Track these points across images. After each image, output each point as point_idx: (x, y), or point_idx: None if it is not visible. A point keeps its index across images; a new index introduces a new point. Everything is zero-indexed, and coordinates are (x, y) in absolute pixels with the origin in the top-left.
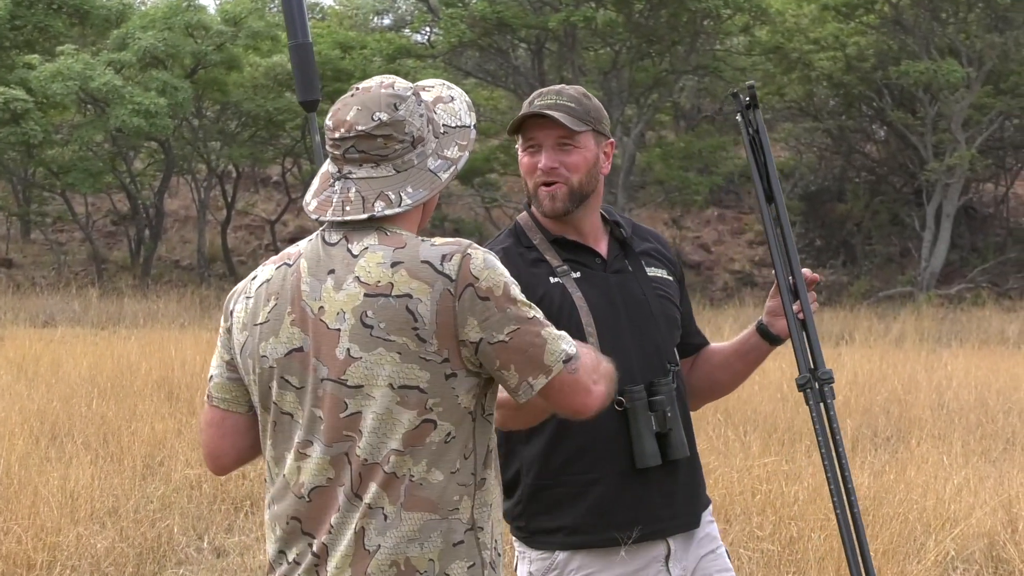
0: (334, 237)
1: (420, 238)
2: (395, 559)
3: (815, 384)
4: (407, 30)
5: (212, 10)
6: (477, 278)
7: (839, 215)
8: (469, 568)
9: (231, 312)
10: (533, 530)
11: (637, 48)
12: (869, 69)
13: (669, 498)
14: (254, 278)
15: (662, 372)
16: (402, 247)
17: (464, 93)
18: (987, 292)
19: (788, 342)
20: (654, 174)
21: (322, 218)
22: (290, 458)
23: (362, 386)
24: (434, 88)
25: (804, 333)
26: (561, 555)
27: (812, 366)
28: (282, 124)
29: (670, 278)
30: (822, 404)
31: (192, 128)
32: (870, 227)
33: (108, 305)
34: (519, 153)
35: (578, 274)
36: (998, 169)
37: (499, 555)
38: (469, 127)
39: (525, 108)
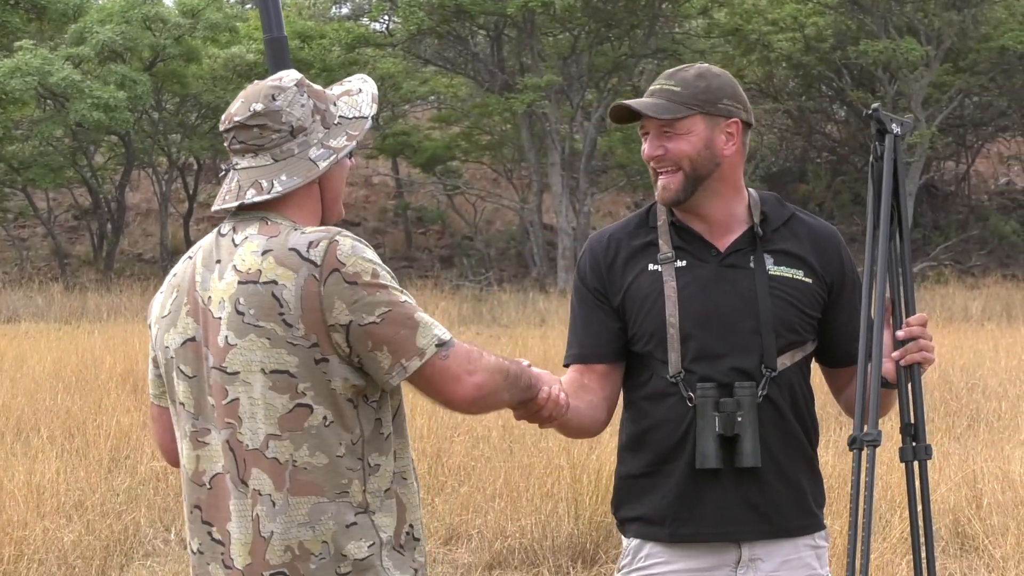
0: (225, 228)
1: (294, 226)
2: (288, 544)
3: (911, 443)
4: (366, 19)
5: (170, 3)
6: (343, 263)
7: (801, 195)
8: (369, 547)
9: (152, 309)
10: (620, 519)
11: (596, 32)
12: (828, 49)
13: (739, 504)
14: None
15: (750, 375)
16: (275, 235)
17: (375, 86)
18: (950, 270)
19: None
20: (616, 158)
21: (213, 209)
22: (186, 447)
23: (239, 372)
24: (351, 83)
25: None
26: (634, 542)
27: (912, 420)
28: None
29: (806, 280)
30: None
31: (152, 121)
32: (832, 207)
33: (71, 300)
34: None
35: (682, 263)
36: (959, 147)
37: (416, 540)
38: (366, 118)
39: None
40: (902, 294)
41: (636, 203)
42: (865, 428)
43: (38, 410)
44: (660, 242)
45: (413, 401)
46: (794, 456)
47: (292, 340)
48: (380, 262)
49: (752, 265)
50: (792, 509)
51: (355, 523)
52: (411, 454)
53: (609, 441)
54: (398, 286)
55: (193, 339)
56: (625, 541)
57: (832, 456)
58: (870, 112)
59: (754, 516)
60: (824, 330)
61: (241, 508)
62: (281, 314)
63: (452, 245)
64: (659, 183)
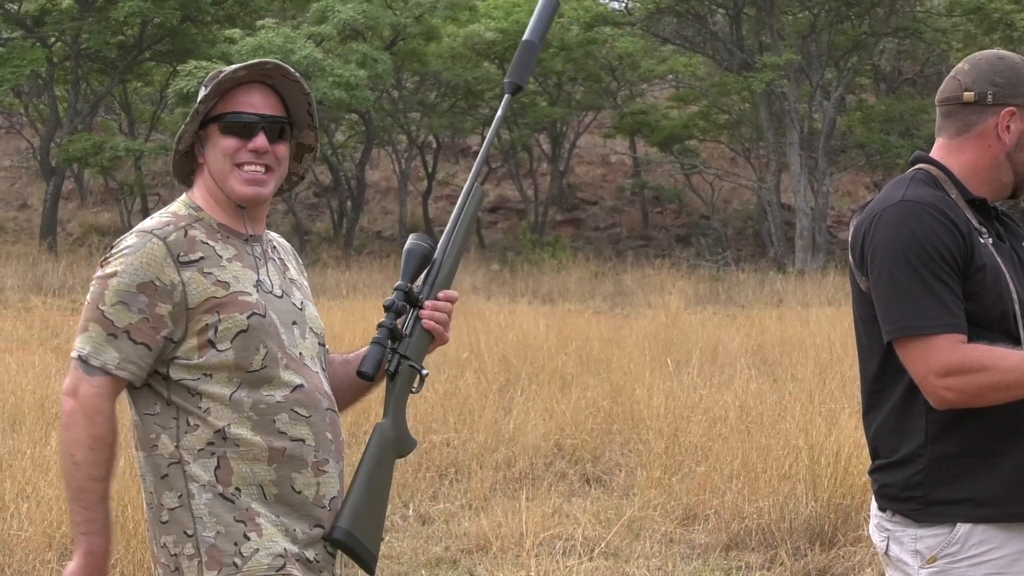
0: None
1: (153, 215)
2: (145, 493)
3: None
4: None
5: None
6: (112, 253)
7: None
8: (178, 498)
9: None
10: (930, 501)
11: (836, 11)
12: None
13: None
14: None
15: None
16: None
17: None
18: None
19: None
20: (855, 138)
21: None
22: None
23: None
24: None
25: None
26: (963, 528)
27: None
28: (481, 94)
29: None
30: None
31: (392, 99)
32: None
33: (312, 276)
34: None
35: (991, 239)
36: None
37: (250, 499)
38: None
39: None
40: None
41: (875, 183)
42: None
43: None
44: (968, 216)
45: (649, 382)
46: None
47: None
48: (129, 269)
49: (1013, 243)
50: None
51: (167, 475)
52: (256, 436)
53: (847, 421)
54: (117, 296)
55: None
56: (936, 530)
57: None
58: None
59: None
60: None
61: None
62: None
63: (689, 224)
64: None
